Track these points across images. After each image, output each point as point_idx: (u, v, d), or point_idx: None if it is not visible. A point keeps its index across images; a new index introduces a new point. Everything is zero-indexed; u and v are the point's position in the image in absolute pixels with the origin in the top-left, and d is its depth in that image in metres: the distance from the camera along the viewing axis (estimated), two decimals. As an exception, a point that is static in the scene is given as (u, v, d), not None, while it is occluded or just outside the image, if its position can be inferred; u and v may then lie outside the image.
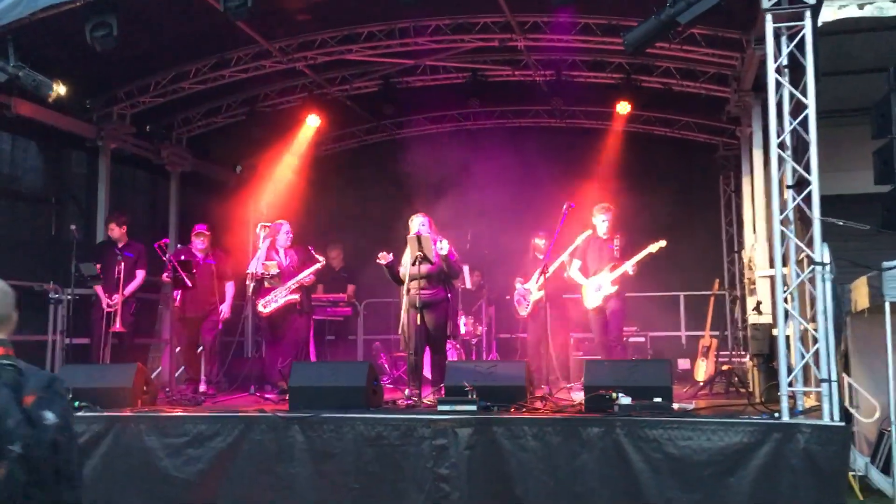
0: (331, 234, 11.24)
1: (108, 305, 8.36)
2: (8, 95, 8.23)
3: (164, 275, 8.41)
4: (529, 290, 9.00)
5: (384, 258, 7.48)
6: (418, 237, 7.26)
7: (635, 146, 11.71)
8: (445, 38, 9.12)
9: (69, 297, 8.20)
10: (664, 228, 10.67)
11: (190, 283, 8.27)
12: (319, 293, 10.50)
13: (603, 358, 8.26)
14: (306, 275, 8.44)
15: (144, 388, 6.83)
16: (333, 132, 12.35)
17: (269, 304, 8.38)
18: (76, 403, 6.26)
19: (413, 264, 7.28)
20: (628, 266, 8.11)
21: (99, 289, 8.47)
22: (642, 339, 10.74)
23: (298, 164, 12.15)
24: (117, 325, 8.31)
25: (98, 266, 8.33)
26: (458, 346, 9.96)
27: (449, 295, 7.78)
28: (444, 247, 7.40)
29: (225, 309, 8.65)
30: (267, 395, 7.83)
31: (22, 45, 7.31)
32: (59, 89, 7.69)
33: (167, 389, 8.28)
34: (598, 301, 8.24)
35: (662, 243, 8.08)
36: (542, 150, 11.21)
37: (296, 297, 8.38)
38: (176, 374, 9.22)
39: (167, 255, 8.33)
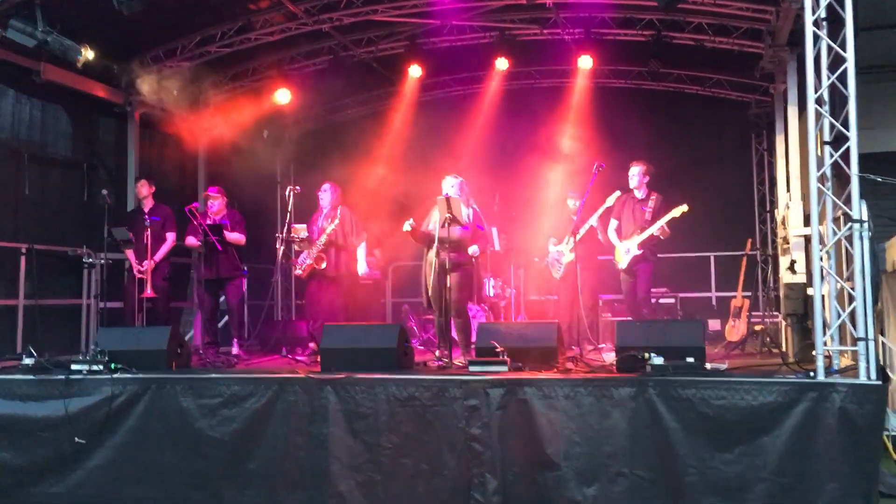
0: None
1: (139, 272, 8.45)
2: (36, 61, 8.28)
3: (192, 239, 8.48)
4: (562, 253, 8.95)
5: (411, 226, 7.49)
6: (447, 199, 7.22)
7: (666, 105, 11.56)
8: (473, -3, 9.00)
9: (102, 261, 8.29)
10: (695, 188, 10.57)
11: (221, 247, 8.33)
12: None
13: (631, 319, 8.23)
14: (325, 237, 8.39)
15: (178, 350, 6.90)
16: (360, 94, 12.29)
17: (301, 266, 8.45)
18: (112, 366, 6.37)
19: (442, 226, 7.26)
20: (653, 230, 8.02)
21: (130, 254, 8.54)
22: (672, 301, 10.67)
23: (325, 127, 12.13)
24: (148, 291, 8.39)
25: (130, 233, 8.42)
26: (485, 308, 9.96)
27: (474, 259, 7.78)
28: (475, 251, 7.50)
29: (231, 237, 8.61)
30: (298, 357, 7.90)
31: (49, 10, 7.32)
32: (88, 54, 7.73)
33: (200, 352, 8.38)
34: (627, 263, 8.19)
35: (684, 207, 7.97)
36: (571, 109, 11.07)
37: (317, 261, 8.35)
38: (207, 341, 9.31)
39: (198, 220, 8.38)
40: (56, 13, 7.39)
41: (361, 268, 8.72)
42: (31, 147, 8.78)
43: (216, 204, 8.77)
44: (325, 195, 8.61)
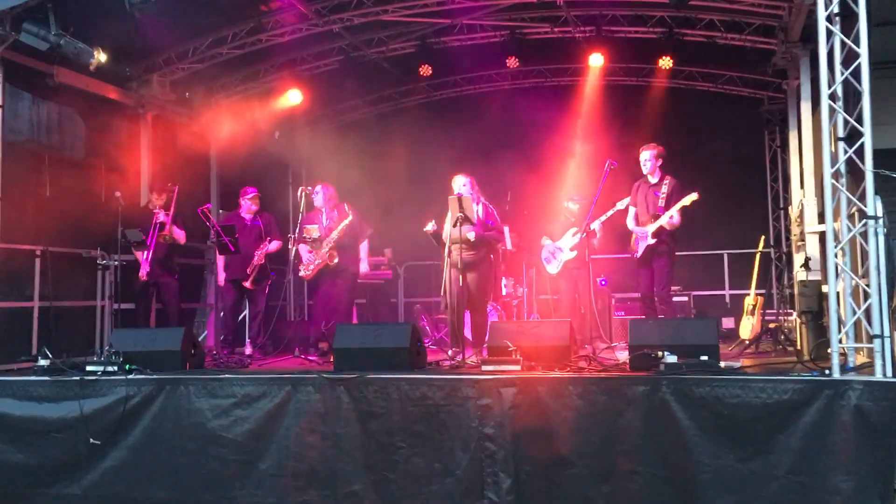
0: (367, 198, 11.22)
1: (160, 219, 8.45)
2: (50, 64, 8.31)
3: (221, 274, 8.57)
4: (561, 249, 8.88)
5: (433, 227, 7.51)
6: (459, 198, 7.25)
7: (678, 102, 11.51)
8: (483, -4, 8.99)
9: (116, 262, 8.32)
10: (708, 185, 10.46)
11: (233, 248, 8.35)
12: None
13: (643, 315, 8.15)
14: (336, 233, 8.34)
15: (192, 351, 6.92)
16: (371, 95, 12.31)
17: (307, 268, 8.41)
18: (127, 366, 6.40)
19: (454, 225, 7.27)
20: (663, 221, 7.75)
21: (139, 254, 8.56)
22: (685, 298, 10.62)
23: (337, 127, 12.14)
24: (166, 230, 8.41)
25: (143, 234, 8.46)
26: (498, 307, 9.94)
27: (492, 256, 7.78)
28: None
29: (258, 255, 8.71)
30: (310, 357, 7.91)
31: (62, 13, 7.35)
32: (100, 57, 7.75)
33: (214, 353, 8.41)
34: (642, 252, 7.94)
35: (694, 195, 7.66)
36: (583, 107, 11.05)
37: (329, 258, 8.30)
38: (221, 338, 9.35)
39: (210, 221, 8.40)
40: (68, 16, 7.41)
41: (363, 266, 8.65)
42: (49, 149, 8.81)
43: (252, 203, 8.86)
44: (318, 197, 8.51)
